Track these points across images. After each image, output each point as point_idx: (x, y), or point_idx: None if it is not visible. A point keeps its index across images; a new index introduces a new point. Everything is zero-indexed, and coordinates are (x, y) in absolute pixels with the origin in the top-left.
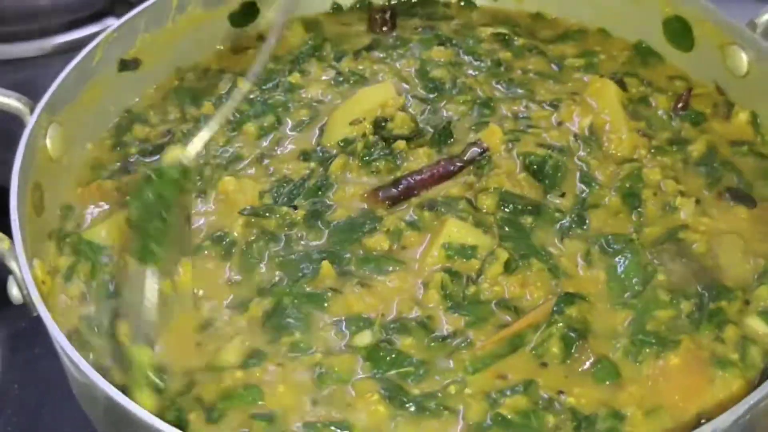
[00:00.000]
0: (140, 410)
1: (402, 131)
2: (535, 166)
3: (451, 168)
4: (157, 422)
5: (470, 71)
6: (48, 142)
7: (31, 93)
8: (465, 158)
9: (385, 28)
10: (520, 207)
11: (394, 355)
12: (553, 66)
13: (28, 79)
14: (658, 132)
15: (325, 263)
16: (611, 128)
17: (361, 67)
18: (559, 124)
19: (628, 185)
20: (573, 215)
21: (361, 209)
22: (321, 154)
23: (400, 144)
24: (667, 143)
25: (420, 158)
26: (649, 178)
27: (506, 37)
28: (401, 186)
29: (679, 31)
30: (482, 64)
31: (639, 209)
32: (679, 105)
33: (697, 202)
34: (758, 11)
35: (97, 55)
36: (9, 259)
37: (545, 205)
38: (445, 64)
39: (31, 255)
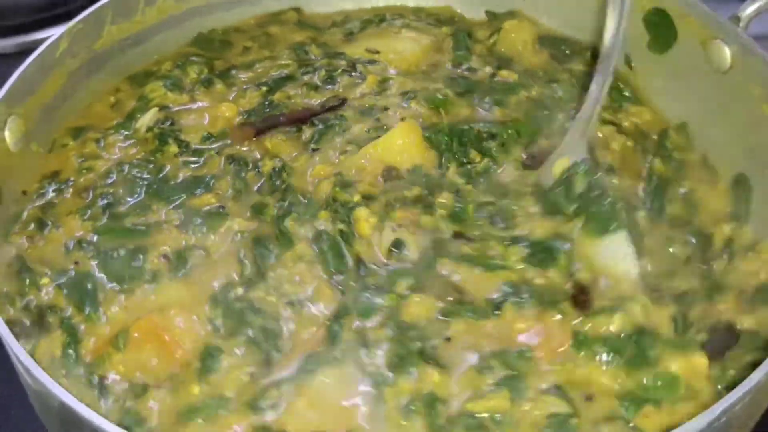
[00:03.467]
0: (95, 416)
1: None
2: None
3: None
4: (117, 430)
5: None
6: (7, 134)
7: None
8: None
9: None
10: None
11: None
12: None
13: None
14: None
15: None
16: None
17: None
18: None
19: None
20: None
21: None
22: None
23: None
24: None
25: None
26: None
27: None
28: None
29: (662, 26)
30: None
31: None
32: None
33: None
34: (739, 6)
35: (61, 46)
36: None
37: None
38: None
39: None
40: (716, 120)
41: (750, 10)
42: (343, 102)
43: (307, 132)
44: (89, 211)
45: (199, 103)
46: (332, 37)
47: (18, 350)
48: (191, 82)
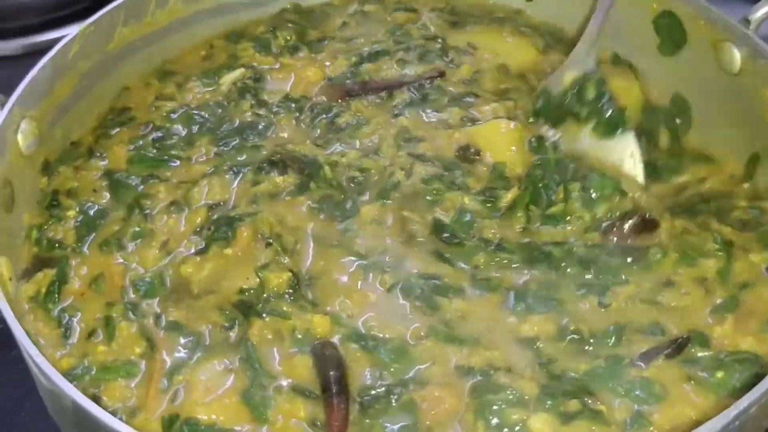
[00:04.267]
0: (108, 416)
1: None
2: None
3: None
4: (125, 428)
5: None
6: (20, 137)
7: (9, 92)
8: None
9: None
10: None
11: None
12: None
13: (5, 78)
14: None
15: None
16: None
17: None
18: None
19: None
20: None
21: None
22: None
23: None
24: None
25: None
26: None
27: None
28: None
29: (671, 29)
30: None
31: None
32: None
33: None
34: (750, 8)
35: (73, 49)
36: None
37: None
38: None
39: None
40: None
41: (761, 12)
42: (442, 74)
43: (398, 98)
44: (140, 142)
45: (287, 65)
46: (435, 21)
47: (32, 351)
48: (278, 46)
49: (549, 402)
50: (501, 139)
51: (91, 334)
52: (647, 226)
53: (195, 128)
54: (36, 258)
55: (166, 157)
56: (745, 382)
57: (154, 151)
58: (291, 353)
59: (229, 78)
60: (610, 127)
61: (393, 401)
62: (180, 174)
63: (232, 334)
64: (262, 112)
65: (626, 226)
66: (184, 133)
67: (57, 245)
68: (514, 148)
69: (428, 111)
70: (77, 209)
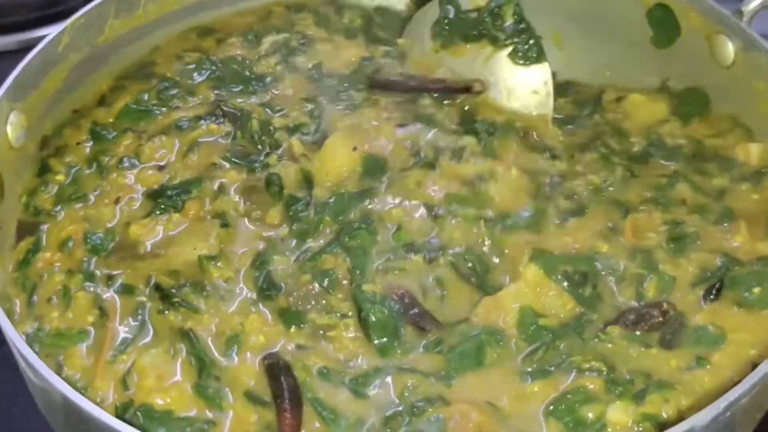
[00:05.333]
0: (99, 410)
1: None
2: None
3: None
4: (119, 424)
5: None
6: (8, 129)
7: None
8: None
9: None
10: None
11: None
12: None
13: None
14: None
15: None
16: None
17: None
18: None
19: None
20: None
21: None
22: None
23: None
24: None
25: None
26: None
27: None
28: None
29: (665, 21)
30: None
31: None
32: None
33: None
34: (743, 0)
35: (63, 41)
36: None
37: None
38: None
39: None
40: None
41: (754, 4)
42: (480, 92)
43: (425, 101)
44: (146, 95)
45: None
46: None
47: (22, 347)
48: (340, 24)
49: (619, 389)
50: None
51: (48, 300)
52: None
53: (203, 74)
54: (20, 224)
55: (153, 107)
56: None
57: (155, 102)
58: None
59: (273, 38)
60: (527, 57)
61: None
62: (154, 125)
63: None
64: (280, 68)
65: None
66: (189, 82)
67: (40, 212)
68: None
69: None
70: (65, 173)
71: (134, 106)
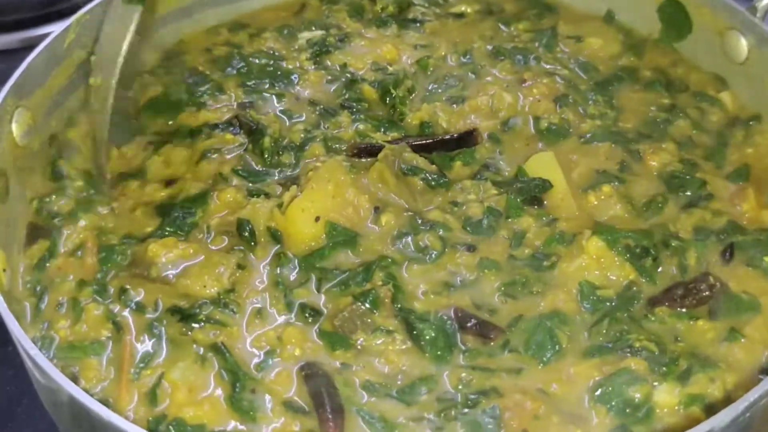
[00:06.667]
0: (105, 410)
1: None
2: None
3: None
4: (126, 424)
5: None
6: (14, 126)
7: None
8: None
9: None
10: None
11: None
12: None
13: (2, 71)
14: None
15: None
16: None
17: None
18: None
19: None
20: None
21: None
22: None
23: None
24: None
25: None
26: None
27: None
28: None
29: (676, 17)
30: None
31: None
32: None
33: None
34: None
35: (69, 37)
36: None
37: None
38: None
39: None
40: None
41: (766, 1)
42: (475, 137)
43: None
44: (173, 87)
45: (368, 36)
46: None
47: (29, 347)
48: (374, 13)
49: (663, 369)
50: None
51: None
52: None
53: (234, 66)
54: (31, 226)
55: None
56: None
57: (185, 95)
58: None
59: (306, 35)
60: None
61: None
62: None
63: None
64: (307, 66)
65: None
66: (216, 76)
67: (55, 216)
68: None
69: None
70: (82, 179)
71: (160, 99)
